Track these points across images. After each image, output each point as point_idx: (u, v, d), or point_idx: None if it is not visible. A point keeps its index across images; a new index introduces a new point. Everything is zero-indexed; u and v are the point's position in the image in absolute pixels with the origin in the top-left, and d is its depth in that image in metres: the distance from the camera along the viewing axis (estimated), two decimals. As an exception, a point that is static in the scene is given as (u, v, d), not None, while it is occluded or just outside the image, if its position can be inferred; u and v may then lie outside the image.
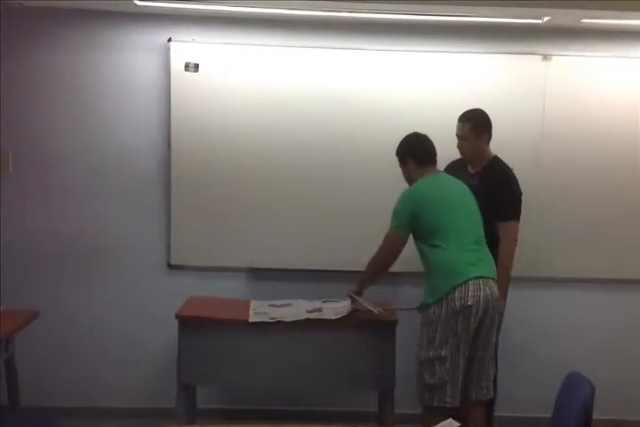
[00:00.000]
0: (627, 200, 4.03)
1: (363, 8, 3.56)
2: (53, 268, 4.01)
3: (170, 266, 4.04)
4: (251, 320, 3.40)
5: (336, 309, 3.47)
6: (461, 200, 3.31)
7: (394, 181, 3.83)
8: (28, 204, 3.98)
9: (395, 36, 3.91)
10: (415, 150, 3.38)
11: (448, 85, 3.93)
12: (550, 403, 2.62)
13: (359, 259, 3.96)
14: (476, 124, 3.53)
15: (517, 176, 3.55)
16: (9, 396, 3.49)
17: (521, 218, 3.53)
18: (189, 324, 3.44)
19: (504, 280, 3.40)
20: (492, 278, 3.22)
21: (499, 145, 3.91)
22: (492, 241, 3.37)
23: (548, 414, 2.63)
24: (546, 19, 3.66)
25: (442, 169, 3.67)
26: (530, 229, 3.85)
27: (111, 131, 3.98)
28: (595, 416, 2.40)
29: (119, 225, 4.02)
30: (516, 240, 3.48)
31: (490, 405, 3.53)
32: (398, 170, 3.78)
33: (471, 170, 3.65)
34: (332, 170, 3.98)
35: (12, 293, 3.71)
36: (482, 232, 3.30)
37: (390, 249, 3.31)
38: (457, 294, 3.11)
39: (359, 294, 3.48)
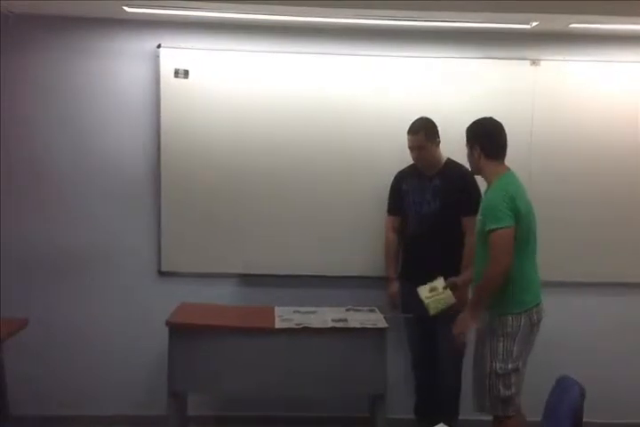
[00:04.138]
0: (622, 202, 4.04)
1: (350, 14, 3.57)
2: (44, 275, 3.99)
3: (160, 273, 4.03)
4: (277, 326, 3.41)
5: (361, 320, 3.51)
6: (533, 214, 3.19)
7: (386, 187, 3.86)
8: (17, 211, 3.95)
9: (383, 42, 3.92)
10: (485, 138, 3.14)
11: (437, 91, 3.94)
12: (541, 406, 2.63)
13: (351, 265, 4.00)
14: (427, 132, 3.65)
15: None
16: (-2, 404, 3.48)
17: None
18: (180, 331, 3.43)
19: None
20: None
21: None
22: (460, 237, 3.64)
23: (538, 418, 2.64)
24: (534, 24, 3.68)
25: (392, 178, 3.80)
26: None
27: (101, 137, 3.96)
28: (585, 419, 2.41)
29: (109, 232, 4.00)
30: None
31: None
32: (391, 174, 3.82)
33: (427, 173, 3.75)
34: (324, 175, 3.97)
35: (3, 300, 3.69)
36: None
37: (508, 255, 2.99)
38: (535, 309, 3.14)
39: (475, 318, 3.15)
